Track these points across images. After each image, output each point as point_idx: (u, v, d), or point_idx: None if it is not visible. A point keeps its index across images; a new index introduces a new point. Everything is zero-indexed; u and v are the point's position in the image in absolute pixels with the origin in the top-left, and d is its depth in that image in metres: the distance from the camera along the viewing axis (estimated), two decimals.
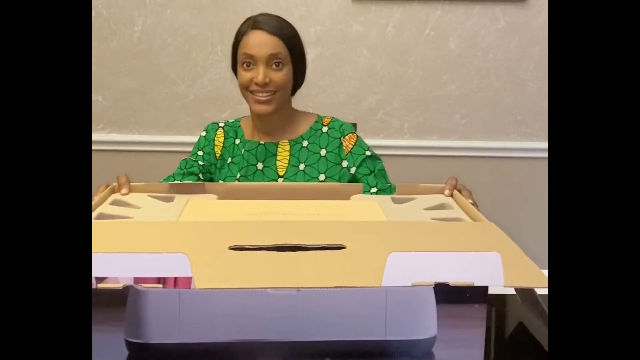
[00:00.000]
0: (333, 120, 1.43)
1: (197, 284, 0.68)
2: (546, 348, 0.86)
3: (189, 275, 0.68)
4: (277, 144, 1.40)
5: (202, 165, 1.43)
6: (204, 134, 1.48)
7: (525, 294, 0.92)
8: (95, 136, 2.16)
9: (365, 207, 0.99)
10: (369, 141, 2.11)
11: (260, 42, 1.31)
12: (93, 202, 0.95)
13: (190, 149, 1.48)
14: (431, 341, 0.80)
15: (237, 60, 1.36)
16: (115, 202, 0.99)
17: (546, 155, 1.31)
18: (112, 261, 0.70)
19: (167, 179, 1.40)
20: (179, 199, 1.04)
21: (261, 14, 1.36)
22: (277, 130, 1.41)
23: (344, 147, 1.39)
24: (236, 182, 1.35)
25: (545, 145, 2.17)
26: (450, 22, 2.12)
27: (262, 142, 1.41)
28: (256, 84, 1.31)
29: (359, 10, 2.11)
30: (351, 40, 2.14)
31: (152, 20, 2.13)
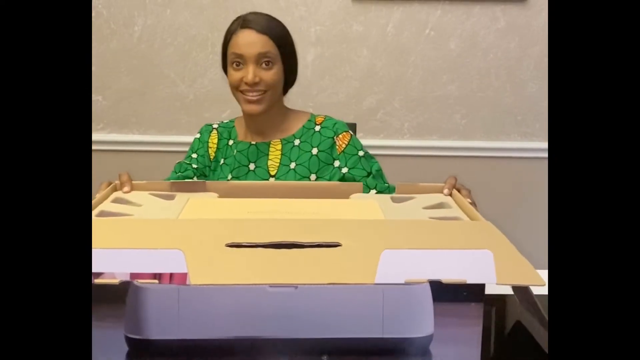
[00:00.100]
0: (326, 119, 1.41)
1: (193, 280, 0.69)
2: (544, 347, 0.87)
3: (185, 271, 0.70)
4: (268, 144, 1.40)
5: (196, 168, 1.43)
6: (198, 136, 1.48)
7: (523, 294, 0.93)
8: (95, 136, 2.17)
9: (364, 206, 1.00)
10: (369, 141, 2.14)
11: (249, 41, 1.30)
12: (95, 200, 0.97)
13: None
14: (428, 339, 0.81)
15: (227, 59, 1.35)
16: (116, 200, 1.01)
17: (546, 155, 1.32)
18: (109, 257, 0.71)
19: None
20: (180, 197, 1.05)
21: (251, 13, 1.35)
22: (269, 130, 1.40)
23: (337, 147, 1.37)
24: (237, 181, 1.35)
25: (545, 145, 2.17)
26: (450, 22, 2.13)
27: (253, 142, 1.40)
28: (246, 83, 1.31)
29: (359, 10, 2.12)
30: (351, 40, 2.15)
31: (152, 20, 2.14)
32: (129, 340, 0.81)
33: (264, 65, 1.31)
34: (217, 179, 1.40)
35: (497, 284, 0.70)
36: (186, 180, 1.34)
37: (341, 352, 0.81)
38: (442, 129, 2.21)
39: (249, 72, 1.30)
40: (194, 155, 1.46)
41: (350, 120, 1.97)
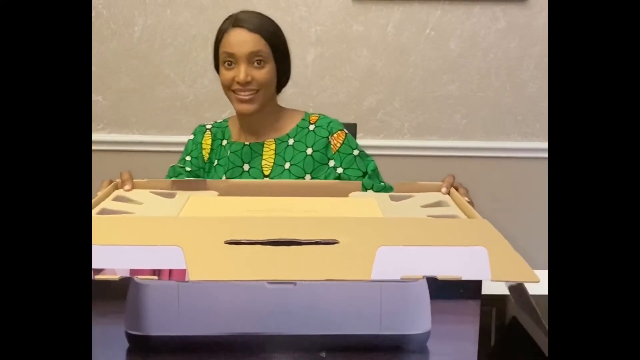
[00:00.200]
0: (320, 117, 1.40)
1: (192, 276, 0.71)
2: (541, 346, 0.88)
3: (184, 267, 0.71)
4: (262, 144, 1.39)
5: (190, 172, 1.42)
6: (192, 137, 1.47)
7: (518, 293, 0.95)
8: (95, 136, 2.19)
9: (363, 204, 1.02)
10: (369, 141, 2.16)
11: (241, 40, 1.30)
12: (96, 198, 0.99)
13: None
14: (425, 336, 0.82)
15: (219, 59, 1.35)
16: (117, 198, 1.02)
17: (546, 155, 1.32)
18: (109, 253, 0.73)
19: None
20: (180, 195, 1.07)
21: (242, 12, 1.34)
22: (262, 130, 1.40)
23: (332, 146, 1.36)
24: (237, 179, 1.35)
25: (545, 145, 2.18)
26: (450, 22, 2.14)
27: (247, 143, 1.40)
28: (238, 82, 1.30)
29: (359, 10, 2.14)
30: (351, 40, 2.16)
31: (152, 20, 2.15)
32: (129, 337, 0.82)
33: (256, 64, 1.30)
34: None
35: (491, 280, 0.71)
36: (186, 179, 1.35)
37: (340, 348, 0.83)
38: (442, 129, 2.23)
39: (241, 72, 1.29)
40: (188, 158, 1.46)
41: (351, 120, 1.99)
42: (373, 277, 0.71)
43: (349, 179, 1.32)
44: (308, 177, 1.34)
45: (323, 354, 0.83)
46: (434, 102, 2.21)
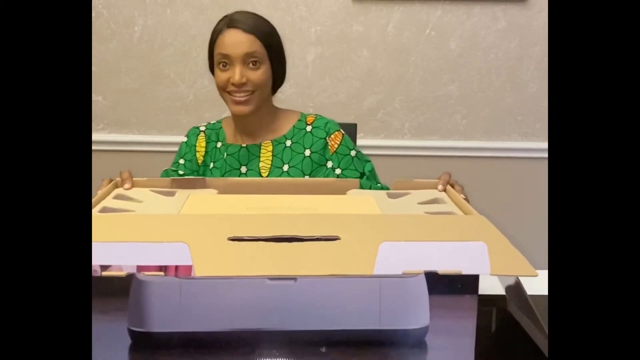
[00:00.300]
0: (317, 118, 1.40)
1: (197, 272, 0.73)
2: (540, 346, 0.89)
3: (190, 263, 0.73)
4: (259, 146, 1.38)
5: (183, 175, 1.41)
6: (185, 139, 1.47)
7: (515, 292, 0.97)
8: (95, 136, 2.20)
9: (361, 201, 1.04)
10: (369, 141, 2.18)
11: (236, 41, 1.29)
12: (97, 196, 1.00)
13: None
14: (424, 330, 0.85)
15: (214, 60, 1.35)
16: (118, 197, 1.04)
17: (546, 155, 1.33)
18: (116, 250, 0.75)
19: None
20: (180, 193, 1.08)
21: (237, 12, 1.34)
22: (258, 131, 1.39)
23: (329, 147, 1.37)
24: (236, 178, 1.36)
25: (545, 145, 2.20)
26: (450, 22, 2.16)
27: (244, 145, 1.39)
28: (233, 84, 1.30)
29: (359, 11, 2.15)
30: (351, 41, 2.18)
31: (152, 20, 2.17)
32: (132, 333, 0.84)
33: (251, 65, 1.30)
34: None
35: (491, 274, 0.73)
36: (186, 177, 1.36)
37: (339, 344, 0.85)
38: (442, 129, 2.24)
39: (236, 73, 1.29)
40: (181, 161, 1.45)
41: (351, 120, 2.01)
42: (375, 272, 0.73)
43: None
44: (307, 178, 1.35)
45: (323, 349, 0.85)
46: (434, 102, 2.22)
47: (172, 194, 1.08)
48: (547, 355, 0.85)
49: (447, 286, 0.82)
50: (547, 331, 0.82)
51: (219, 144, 1.43)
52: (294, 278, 0.82)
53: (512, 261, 0.75)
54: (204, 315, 0.83)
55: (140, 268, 0.75)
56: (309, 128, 1.38)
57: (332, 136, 1.38)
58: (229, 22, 1.32)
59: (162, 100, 2.23)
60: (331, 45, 2.18)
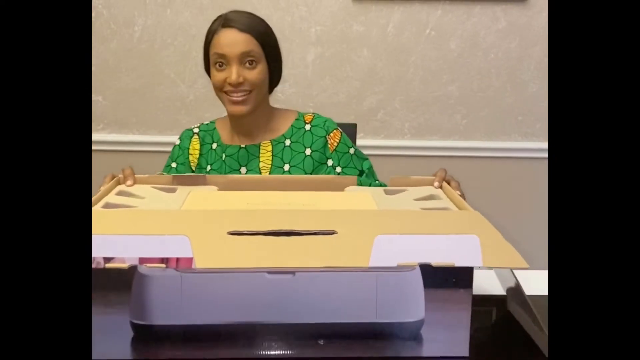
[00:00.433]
0: (316, 117, 1.41)
1: (198, 263, 0.76)
2: (540, 346, 0.91)
3: (190, 256, 0.77)
4: (258, 146, 1.39)
5: None
6: (178, 142, 1.47)
7: (515, 293, 0.99)
8: (95, 136, 2.22)
9: (358, 197, 1.07)
10: (369, 141, 2.21)
11: (232, 41, 1.29)
12: (100, 193, 1.04)
13: None
14: (419, 324, 0.87)
15: (210, 60, 1.34)
16: (120, 193, 1.07)
17: (546, 155, 1.34)
18: (118, 242, 0.78)
19: None
20: (181, 190, 1.12)
21: (232, 12, 1.34)
22: (256, 131, 1.40)
23: (329, 145, 1.38)
24: (236, 175, 1.37)
25: (545, 145, 2.21)
26: (450, 22, 2.18)
27: (242, 145, 1.39)
28: (230, 84, 1.30)
29: (360, 11, 2.17)
30: (351, 41, 2.19)
31: (152, 20, 2.19)
32: (134, 326, 0.86)
33: (247, 64, 1.30)
34: None
35: (483, 266, 0.76)
36: (187, 174, 1.38)
37: (337, 336, 0.87)
38: (442, 129, 2.26)
39: (233, 72, 1.29)
40: (173, 165, 1.45)
41: (351, 120, 2.03)
42: (371, 264, 0.76)
43: None
44: (305, 175, 1.35)
45: (321, 342, 0.87)
46: (434, 102, 2.24)
47: (173, 191, 1.12)
48: (547, 355, 0.87)
49: (441, 280, 0.85)
50: (547, 331, 0.84)
51: (215, 145, 1.43)
52: (292, 272, 0.85)
53: (504, 254, 0.79)
54: (205, 309, 0.86)
55: (142, 260, 0.78)
56: (307, 127, 1.40)
57: (332, 134, 1.39)
58: (224, 21, 1.32)
59: (162, 100, 2.25)
60: (331, 45, 2.20)
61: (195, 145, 1.45)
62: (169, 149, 2.20)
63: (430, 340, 0.87)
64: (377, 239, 0.77)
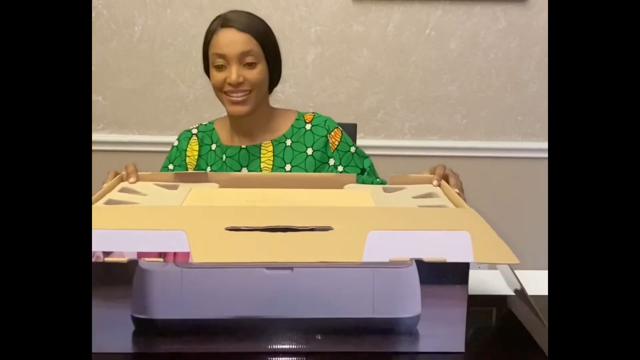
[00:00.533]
0: (316, 116, 1.42)
1: (195, 258, 0.79)
2: (541, 346, 0.93)
3: (187, 250, 0.79)
4: (259, 146, 1.39)
5: None
6: (176, 143, 1.47)
7: (520, 295, 1.01)
8: (95, 136, 2.24)
9: (357, 195, 1.09)
10: (369, 141, 2.23)
11: (231, 41, 1.29)
12: (103, 189, 1.06)
13: None
14: (415, 319, 0.89)
15: (209, 61, 1.34)
16: (123, 190, 1.10)
17: (546, 155, 1.34)
18: (117, 237, 0.81)
19: None
20: (183, 187, 1.14)
21: (231, 11, 1.34)
22: (256, 131, 1.40)
23: (331, 145, 1.38)
24: (237, 172, 1.38)
25: (545, 145, 2.23)
26: (450, 22, 2.20)
27: (243, 146, 1.40)
28: (229, 84, 1.30)
29: (360, 11, 2.19)
30: (351, 41, 2.21)
31: (152, 20, 2.21)
32: (135, 320, 0.88)
33: (247, 64, 1.31)
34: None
35: (474, 262, 0.79)
36: (188, 172, 1.39)
37: (334, 331, 0.89)
38: (442, 129, 2.28)
39: (232, 72, 1.29)
40: (170, 167, 1.45)
41: (351, 120, 2.04)
42: (364, 259, 0.79)
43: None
44: (305, 173, 1.36)
45: (318, 337, 0.90)
46: (434, 102, 2.26)
47: (175, 188, 1.14)
48: (547, 355, 0.88)
49: (437, 276, 0.87)
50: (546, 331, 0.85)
51: (214, 146, 1.44)
52: (290, 268, 0.87)
53: (495, 250, 0.81)
54: (204, 304, 0.88)
55: (140, 254, 0.81)
56: (308, 126, 1.40)
57: (333, 133, 1.40)
58: (222, 21, 1.32)
59: (162, 100, 2.27)
60: (331, 45, 2.22)
61: (193, 146, 1.46)
62: (169, 149, 2.23)
63: (427, 335, 0.89)
64: (371, 234, 0.80)
